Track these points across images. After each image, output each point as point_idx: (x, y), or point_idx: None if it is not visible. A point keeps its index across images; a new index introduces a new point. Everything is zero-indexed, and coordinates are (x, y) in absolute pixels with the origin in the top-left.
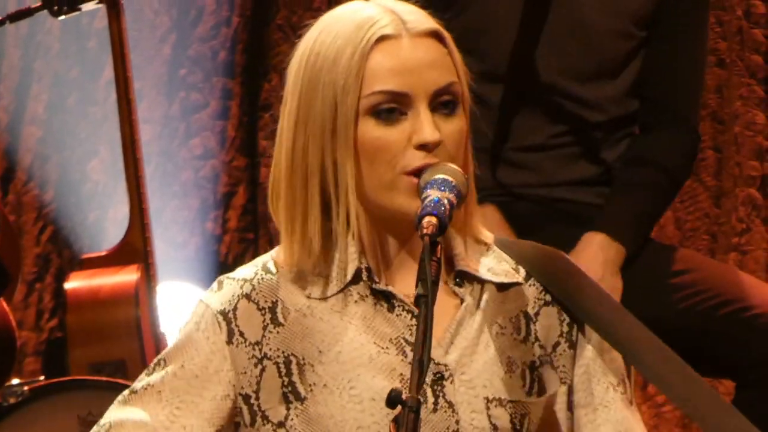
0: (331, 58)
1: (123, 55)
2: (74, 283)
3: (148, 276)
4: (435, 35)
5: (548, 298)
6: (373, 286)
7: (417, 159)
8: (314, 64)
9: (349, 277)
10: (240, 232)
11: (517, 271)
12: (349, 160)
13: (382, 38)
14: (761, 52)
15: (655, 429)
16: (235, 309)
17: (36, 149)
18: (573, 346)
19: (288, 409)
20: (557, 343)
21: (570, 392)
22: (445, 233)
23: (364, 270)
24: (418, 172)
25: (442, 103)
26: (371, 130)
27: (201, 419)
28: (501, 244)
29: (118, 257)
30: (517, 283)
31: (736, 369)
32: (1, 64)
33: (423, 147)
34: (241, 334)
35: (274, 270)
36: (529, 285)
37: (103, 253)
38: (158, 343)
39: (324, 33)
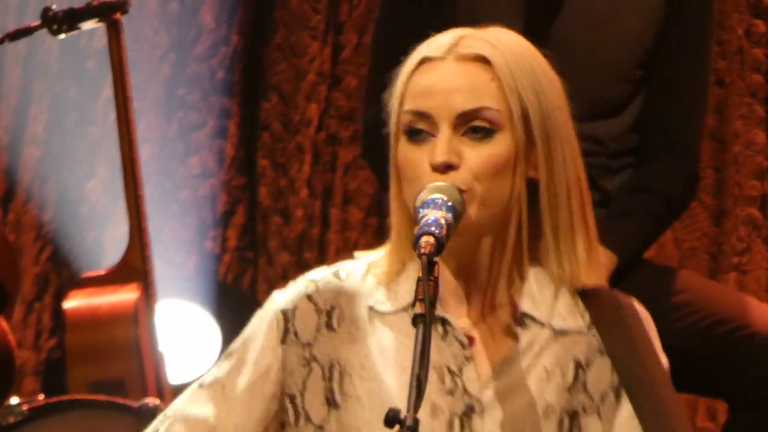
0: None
1: (122, 74)
2: (73, 302)
3: (148, 295)
4: (482, 60)
5: (604, 347)
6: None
7: (432, 180)
8: None
9: (412, 298)
10: (239, 252)
11: (582, 317)
12: (393, 175)
13: (425, 60)
14: (762, 71)
15: None
16: (295, 309)
17: (35, 169)
18: (618, 399)
19: (328, 413)
20: (606, 394)
21: None
22: (442, 252)
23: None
24: None
25: (473, 128)
26: (403, 148)
27: (252, 418)
28: (585, 294)
29: (117, 276)
30: (577, 330)
31: (732, 390)
32: (1, 84)
33: (435, 168)
34: (296, 333)
35: (343, 275)
36: (591, 333)
37: (103, 272)
38: (157, 362)
39: None
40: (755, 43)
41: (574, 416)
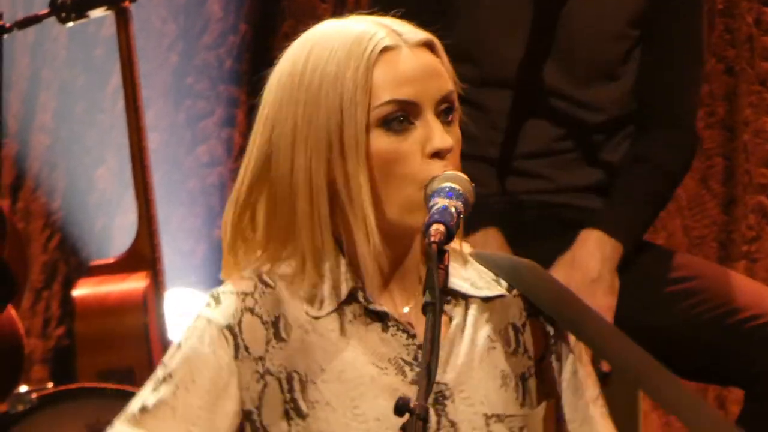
0: (333, 73)
1: (131, 62)
2: (82, 291)
3: (156, 283)
4: (429, 45)
5: (532, 309)
6: (369, 306)
7: (435, 169)
8: (311, 82)
9: (342, 296)
10: None
11: (498, 282)
12: (362, 173)
13: (384, 49)
14: None
15: None
16: (240, 323)
17: (44, 157)
18: (558, 358)
19: (289, 425)
20: (543, 357)
21: (557, 405)
22: (451, 241)
23: (359, 290)
24: None
25: (444, 111)
26: (383, 141)
27: None
28: (477, 256)
29: (125, 264)
30: (501, 295)
31: (744, 379)
32: (10, 72)
33: (437, 155)
34: (246, 348)
35: (272, 284)
36: (513, 296)
37: (111, 261)
38: (166, 351)
39: (318, 49)
40: (765, 31)
41: (524, 379)
